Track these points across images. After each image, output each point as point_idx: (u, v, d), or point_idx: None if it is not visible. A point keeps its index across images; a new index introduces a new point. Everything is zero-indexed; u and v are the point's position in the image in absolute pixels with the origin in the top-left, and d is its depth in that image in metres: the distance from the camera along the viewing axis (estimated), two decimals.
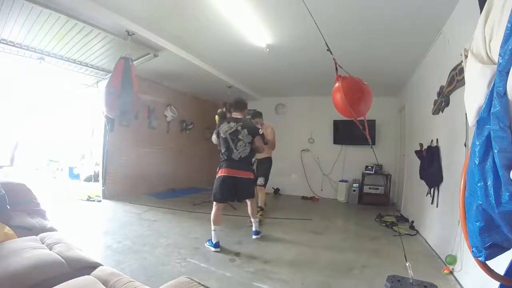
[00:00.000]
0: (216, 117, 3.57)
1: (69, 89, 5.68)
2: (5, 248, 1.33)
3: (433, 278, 2.15)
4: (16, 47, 3.54)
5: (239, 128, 2.95)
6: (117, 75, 3.41)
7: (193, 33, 3.51)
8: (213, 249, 2.79)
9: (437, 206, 2.95)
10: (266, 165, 4.36)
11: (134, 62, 3.81)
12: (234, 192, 2.97)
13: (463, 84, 1.44)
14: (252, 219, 3.26)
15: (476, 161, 0.82)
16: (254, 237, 3.22)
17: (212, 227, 2.85)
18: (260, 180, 4.20)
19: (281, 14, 2.94)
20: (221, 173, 2.96)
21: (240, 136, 2.93)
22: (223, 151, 2.99)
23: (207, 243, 2.89)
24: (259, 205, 4.07)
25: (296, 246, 3.10)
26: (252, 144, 2.98)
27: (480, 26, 0.88)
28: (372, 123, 5.63)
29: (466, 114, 0.98)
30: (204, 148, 7.60)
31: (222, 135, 2.97)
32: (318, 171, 6.55)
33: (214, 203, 2.96)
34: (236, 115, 3.11)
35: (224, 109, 3.44)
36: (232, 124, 2.98)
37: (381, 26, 3.04)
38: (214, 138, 3.13)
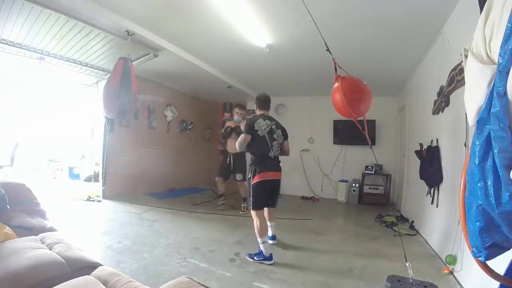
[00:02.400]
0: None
1: (69, 89, 5.68)
2: (5, 248, 1.33)
3: (433, 278, 2.15)
4: (16, 47, 3.54)
5: (274, 127, 2.81)
6: (116, 75, 3.40)
7: (193, 33, 3.51)
8: (268, 262, 2.54)
9: (437, 206, 2.95)
10: (243, 160, 4.60)
11: (134, 62, 3.81)
12: (271, 196, 2.83)
13: (463, 84, 1.44)
14: (269, 223, 3.07)
15: (476, 161, 0.82)
16: (270, 242, 2.94)
17: (260, 239, 2.60)
18: (239, 176, 4.59)
19: (281, 14, 2.94)
20: (262, 177, 2.68)
21: (275, 136, 2.79)
22: (259, 151, 2.73)
23: (256, 257, 2.59)
24: (245, 196, 4.33)
25: (296, 246, 3.10)
26: (282, 146, 2.87)
27: (480, 26, 0.87)
28: (372, 123, 5.63)
29: (466, 114, 0.98)
30: (204, 148, 7.60)
31: (260, 133, 2.71)
32: (318, 171, 6.55)
33: (255, 212, 2.69)
34: (266, 112, 2.91)
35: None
36: (268, 122, 2.78)
37: (381, 26, 3.04)
38: (244, 136, 2.71)
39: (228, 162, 4.67)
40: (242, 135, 2.75)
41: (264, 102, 2.94)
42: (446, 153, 2.85)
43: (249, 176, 2.75)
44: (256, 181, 2.69)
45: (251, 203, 2.72)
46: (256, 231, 2.66)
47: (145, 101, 5.56)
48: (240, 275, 2.31)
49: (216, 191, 5.22)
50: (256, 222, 2.67)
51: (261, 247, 2.61)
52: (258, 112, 2.93)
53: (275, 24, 3.14)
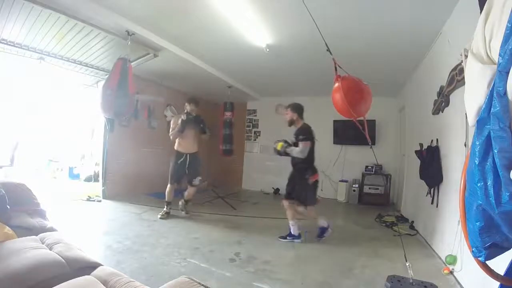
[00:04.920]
0: (280, 144, 3.27)
1: (69, 89, 5.68)
2: (5, 248, 1.33)
3: (433, 278, 2.15)
4: (16, 47, 3.54)
5: None
6: (114, 76, 3.39)
7: (193, 33, 3.51)
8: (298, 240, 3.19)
9: (437, 206, 2.95)
10: (198, 161, 4.19)
11: (134, 62, 3.81)
12: None
13: (463, 84, 1.44)
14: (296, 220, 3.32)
15: (476, 161, 0.82)
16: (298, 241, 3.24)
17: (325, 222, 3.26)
18: (198, 180, 4.09)
19: (281, 14, 2.94)
20: (317, 177, 3.33)
21: None
22: (313, 155, 3.26)
23: (290, 238, 3.19)
24: (189, 198, 4.17)
25: (296, 246, 3.10)
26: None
27: (480, 26, 0.87)
28: (372, 123, 5.63)
29: (466, 114, 0.98)
30: (204, 148, 7.59)
31: (314, 140, 3.26)
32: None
33: (313, 207, 3.32)
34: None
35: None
36: None
37: (381, 26, 3.04)
38: (309, 144, 3.17)
39: (180, 163, 4.01)
40: (307, 143, 3.13)
41: (303, 111, 3.36)
42: (446, 153, 2.85)
43: (306, 176, 3.17)
44: (313, 180, 3.24)
45: (311, 200, 3.24)
46: (320, 221, 3.28)
47: (145, 101, 5.55)
48: (240, 275, 2.31)
49: (216, 192, 5.15)
50: (316, 214, 3.31)
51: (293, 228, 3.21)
52: (301, 120, 3.31)
53: (275, 24, 3.14)
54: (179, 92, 6.60)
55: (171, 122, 3.97)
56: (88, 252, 1.49)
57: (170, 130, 3.93)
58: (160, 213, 3.91)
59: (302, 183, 3.18)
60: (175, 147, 4.08)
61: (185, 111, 3.93)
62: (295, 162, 3.28)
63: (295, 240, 3.19)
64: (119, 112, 3.51)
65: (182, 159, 4.01)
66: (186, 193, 4.15)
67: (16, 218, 1.76)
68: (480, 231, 0.87)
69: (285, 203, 3.28)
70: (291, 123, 3.32)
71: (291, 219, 3.23)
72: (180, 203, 4.14)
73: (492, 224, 0.84)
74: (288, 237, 3.22)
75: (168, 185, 4.06)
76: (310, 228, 3.38)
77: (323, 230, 3.27)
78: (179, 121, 3.81)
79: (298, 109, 3.30)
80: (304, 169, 3.19)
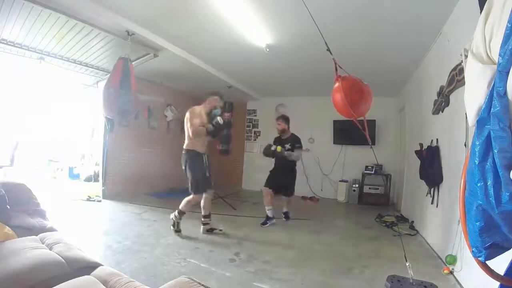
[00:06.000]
0: (280, 148, 3.89)
1: (69, 89, 5.68)
2: (5, 248, 1.33)
3: (433, 278, 2.15)
4: (16, 47, 3.54)
5: None
6: (115, 75, 3.40)
7: (193, 33, 3.51)
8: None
9: (437, 206, 2.95)
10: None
11: (134, 62, 3.81)
12: None
13: (463, 84, 1.44)
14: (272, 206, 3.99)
15: (476, 161, 0.82)
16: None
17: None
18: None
19: (281, 14, 2.94)
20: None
21: None
22: None
23: (270, 222, 3.82)
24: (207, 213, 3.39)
25: (296, 246, 3.10)
26: None
27: (480, 26, 0.87)
28: (372, 123, 5.63)
29: (466, 114, 0.98)
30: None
31: None
32: (318, 171, 6.55)
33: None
34: None
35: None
36: None
37: (381, 26, 3.03)
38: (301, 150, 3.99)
39: (206, 166, 3.35)
40: (301, 149, 4.00)
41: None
42: (446, 153, 2.85)
43: (295, 173, 4.09)
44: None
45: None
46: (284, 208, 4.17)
47: (145, 101, 5.55)
48: (240, 275, 2.31)
49: (216, 192, 4.47)
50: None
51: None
52: (289, 130, 4.06)
53: (275, 24, 3.14)
54: (179, 92, 6.60)
55: (197, 114, 3.25)
56: (88, 252, 1.49)
57: (198, 124, 3.19)
58: (208, 227, 3.28)
59: (293, 178, 3.99)
60: (192, 147, 3.27)
61: (214, 107, 3.37)
62: (286, 162, 3.90)
63: (272, 221, 3.82)
64: (123, 111, 3.49)
65: (205, 161, 3.36)
66: (203, 203, 3.34)
67: (16, 218, 1.76)
68: (480, 231, 0.86)
69: (267, 191, 3.87)
70: (283, 132, 3.98)
71: (269, 204, 3.81)
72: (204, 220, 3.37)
73: (492, 224, 0.84)
74: (268, 222, 3.77)
75: (195, 196, 3.24)
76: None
77: (287, 214, 4.13)
78: (214, 125, 3.27)
79: (288, 120, 4.01)
80: (294, 167, 4.00)
